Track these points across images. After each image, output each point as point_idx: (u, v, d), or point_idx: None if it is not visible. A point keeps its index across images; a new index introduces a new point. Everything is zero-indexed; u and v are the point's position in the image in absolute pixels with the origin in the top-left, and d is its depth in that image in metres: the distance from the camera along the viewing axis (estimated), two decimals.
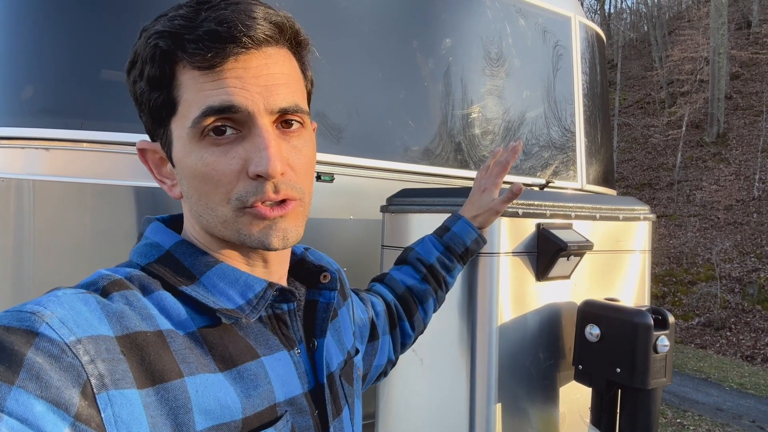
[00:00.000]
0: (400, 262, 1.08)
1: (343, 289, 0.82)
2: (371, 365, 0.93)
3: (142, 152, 0.63)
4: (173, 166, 0.60)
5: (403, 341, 1.02)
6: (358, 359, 0.81)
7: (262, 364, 0.59)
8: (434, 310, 1.07)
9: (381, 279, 1.06)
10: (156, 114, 0.58)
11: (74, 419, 0.43)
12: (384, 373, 1.01)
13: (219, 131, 0.55)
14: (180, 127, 0.57)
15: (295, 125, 0.59)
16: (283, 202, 0.57)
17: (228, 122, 0.55)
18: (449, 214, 1.17)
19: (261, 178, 0.55)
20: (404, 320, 1.01)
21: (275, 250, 0.59)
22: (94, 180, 1.54)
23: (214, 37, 0.53)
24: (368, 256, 1.75)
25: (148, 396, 0.49)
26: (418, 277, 1.03)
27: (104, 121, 1.56)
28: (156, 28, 0.55)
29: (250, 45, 0.54)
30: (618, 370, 1.33)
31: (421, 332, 1.06)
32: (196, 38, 0.53)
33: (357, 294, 0.94)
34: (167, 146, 0.59)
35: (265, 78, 0.56)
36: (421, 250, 1.06)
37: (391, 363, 1.01)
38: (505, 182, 1.15)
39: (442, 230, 1.09)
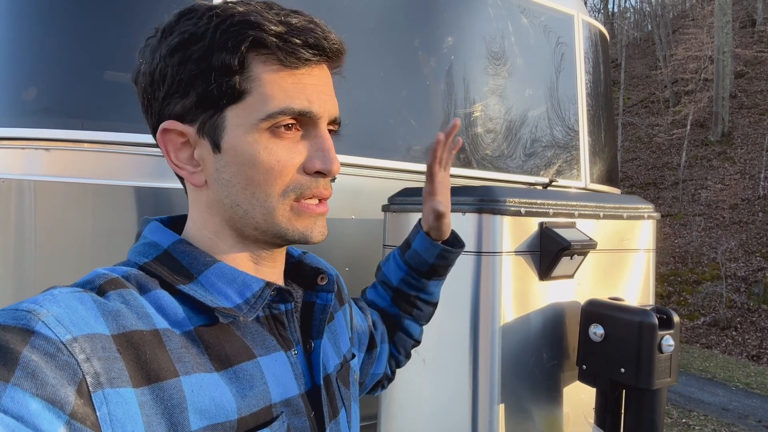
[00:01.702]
0: (375, 277, 1.03)
1: (340, 294, 0.82)
2: (368, 373, 0.93)
3: (165, 132, 0.61)
4: (218, 151, 0.59)
5: (396, 360, 1.00)
6: (355, 363, 0.81)
7: (258, 365, 0.59)
8: (420, 326, 1.00)
9: (362, 295, 1.03)
10: (210, 98, 0.57)
11: (69, 417, 0.43)
12: (381, 386, 0.99)
13: (287, 127, 0.59)
14: (243, 116, 0.58)
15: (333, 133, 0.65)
16: (323, 200, 0.64)
17: (297, 121, 0.60)
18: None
19: (319, 174, 0.61)
20: (386, 341, 0.99)
21: (314, 243, 0.64)
22: (95, 180, 1.53)
23: (309, 43, 0.58)
24: (370, 256, 1.74)
25: (144, 395, 0.49)
26: (387, 299, 0.98)
27: (105, 121, 1.56)
28: (246, 18, 0.56)
29: (329, 56, 0.61)
30: (622, 370, 1.32)
31: (414, 346, 1.02)
32: (294, 37, 0.57)
33: (356, 302, 0.93)
34: (212, 131, 0.59)
35: (329, 88, 0.63)
36: (386, 270, 0.98)
37: (388, 377, 0.99)
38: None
39: (405, 246, 0.97)
